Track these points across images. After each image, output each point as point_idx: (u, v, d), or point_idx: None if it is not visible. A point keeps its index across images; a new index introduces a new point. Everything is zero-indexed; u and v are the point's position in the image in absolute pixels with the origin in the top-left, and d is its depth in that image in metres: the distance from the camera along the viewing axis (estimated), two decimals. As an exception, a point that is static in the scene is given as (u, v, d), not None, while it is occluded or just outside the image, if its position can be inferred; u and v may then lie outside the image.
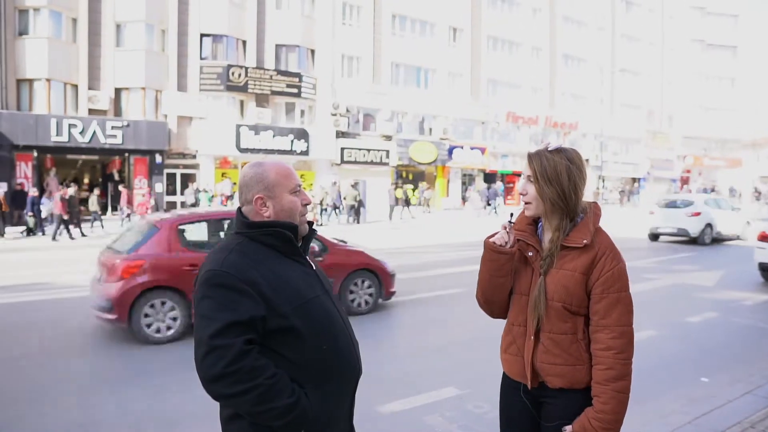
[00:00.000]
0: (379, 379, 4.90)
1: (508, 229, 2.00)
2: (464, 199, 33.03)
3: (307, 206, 1.87)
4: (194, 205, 22.31)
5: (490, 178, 34.00)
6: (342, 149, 28.19)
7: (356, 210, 23.52)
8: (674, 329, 6.95)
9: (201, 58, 25.00)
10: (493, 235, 2.03)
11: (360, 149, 28.83)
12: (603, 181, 38.66)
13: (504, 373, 2.15)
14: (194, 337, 1.64)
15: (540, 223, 2.06)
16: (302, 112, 27.65)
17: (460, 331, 6.79)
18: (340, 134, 28.34)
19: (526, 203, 2.00)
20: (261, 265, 1.69)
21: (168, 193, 24.25)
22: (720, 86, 48.65)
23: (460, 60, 33.38)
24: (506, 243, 2.00)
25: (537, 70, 37.17)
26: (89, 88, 22.73)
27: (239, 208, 1.85)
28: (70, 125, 21.54)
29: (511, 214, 2.10)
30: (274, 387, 1.60)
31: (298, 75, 26.75)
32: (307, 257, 1.89)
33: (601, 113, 38.92)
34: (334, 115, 28.11)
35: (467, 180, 34.23)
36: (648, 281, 10.09)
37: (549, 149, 1.97)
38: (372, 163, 29.25)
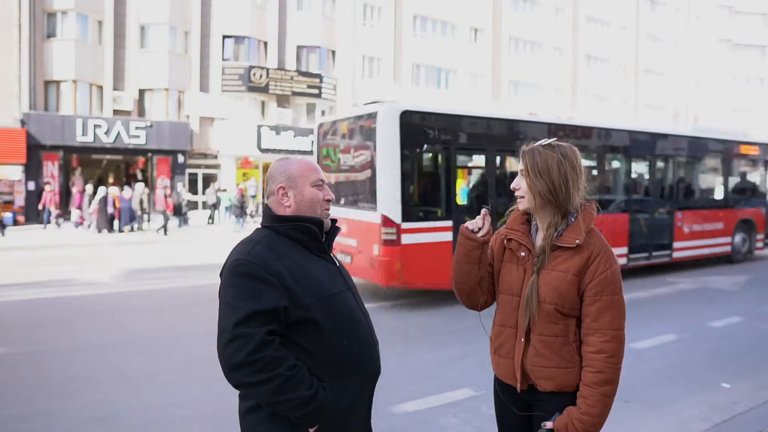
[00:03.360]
0: (393, 378, 4.88)
1: (483, 216, 1.99)
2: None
3: (329, 202, 1.90)
4: (215, 205, 22.55)
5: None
6: (362, 150, 28.23)
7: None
8: (696, 333, 6.82)
9: (223, 60, 25.28)
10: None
11: (380, 150, 28.84)
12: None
13: (495, 375, 2.13)
14: (218, 324, 1.67)
15: (533, 223, 2.03)
16: (323, 112, 27.77)
17: (479, 331, 6.74)
18: (360, 135, 28.38)
19: (518, 198, 1.99)
20: (285, 258, 1.73)
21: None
22: (748, 87, 47.62)
23: (481, 60, 33.22)
24: (479, 229, 1.97)
25: (559, 71, 36.81)
26: (114, 89, 23.15)
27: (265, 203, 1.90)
28: (95, 125, 21.98)
29: (489, 202, 2.10)
30: (293, 378, 1.62)
31: (319, 76, 26.89)
32: (331, 254, 1.92)
33: (625, 114, 38.37)
34: (355, 115, 28.17)
35: (487, 181, 34.02)
36: (670, 285, 9.85)
37: (543, 144, 1.96)
38: (392, 163, 29.22)
